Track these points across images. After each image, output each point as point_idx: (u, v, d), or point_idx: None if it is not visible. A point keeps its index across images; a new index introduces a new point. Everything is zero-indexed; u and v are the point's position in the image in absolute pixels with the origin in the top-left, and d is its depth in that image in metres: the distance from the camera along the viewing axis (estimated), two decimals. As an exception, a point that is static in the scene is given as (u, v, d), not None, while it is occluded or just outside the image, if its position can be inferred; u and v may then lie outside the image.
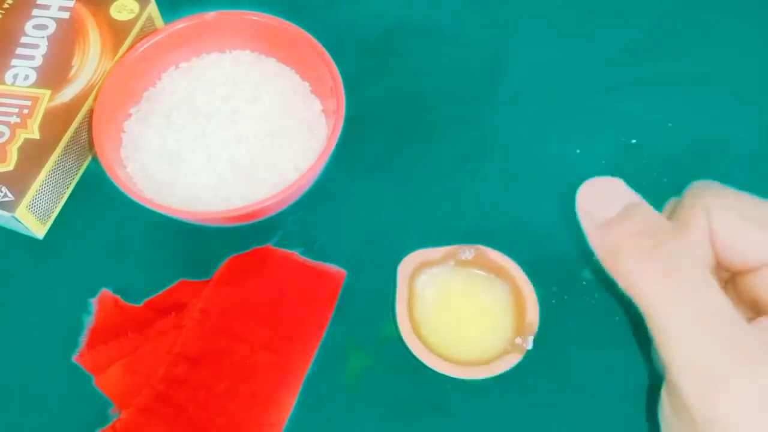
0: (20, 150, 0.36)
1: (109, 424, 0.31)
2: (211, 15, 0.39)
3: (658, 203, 0.37)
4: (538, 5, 0.44)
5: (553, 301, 0.34)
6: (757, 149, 0.39)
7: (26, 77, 0.38)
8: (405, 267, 0.34)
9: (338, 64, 0.37)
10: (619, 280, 0.24)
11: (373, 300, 0.34)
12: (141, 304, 0.35)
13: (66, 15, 0.40)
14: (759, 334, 0.22)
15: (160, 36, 0.39)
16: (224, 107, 0.37)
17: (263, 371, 0.32)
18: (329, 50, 0.37)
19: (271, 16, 0.39)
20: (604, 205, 0.25)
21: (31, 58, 0.39)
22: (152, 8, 0.41)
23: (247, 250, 0.36)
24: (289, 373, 0.33)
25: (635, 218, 0.24)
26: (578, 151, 0.39)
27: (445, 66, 0.42)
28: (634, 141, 0.39)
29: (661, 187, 0.37)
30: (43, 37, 0.39)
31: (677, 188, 0.37)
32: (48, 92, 0.37)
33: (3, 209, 0.35)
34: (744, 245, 0.25)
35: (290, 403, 0.32)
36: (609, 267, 0.25)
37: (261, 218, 0.36)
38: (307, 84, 0.39)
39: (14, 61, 0.38)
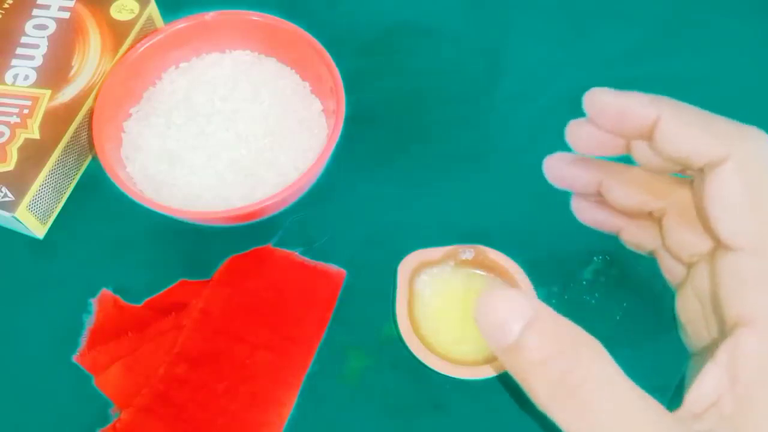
0: (20, 150, 0.36)
1: (110, 424, 0.31)
2: (211, 15, 0.39)
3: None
4: (538, 5, 0.44)
5: (553, 301, 0.34)
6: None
7: (26, 77, 0.38)
8: (405, 267, 0.34)
9: (338, 64, 0.37)
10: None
11: (373, 300, 0.34)
12: (141, 304, 0.35)
13: (66, 15, 0.40)
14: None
15: (160, 36, 0.39)
16: (224, 107, 0.37)
17: (263, 371, 0.32)
18: (329, 50, 0.37)
19: (271, 16, 0.39)
20: (499, 333, 0.22)
21: (31, 58, 0.39)
22: (152, 8, 0.41)
23: (247, 250, 0.36)
24: (289, 373, 0.33)
25: (530, 345, 0.22)
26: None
27: (445, 66, 0.42)
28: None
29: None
30: (43, 37, 0.39)
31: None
32: (48, 92, 0.37)
33: (3, 209, 0.35)
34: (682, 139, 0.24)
35: (290, 403, 0.32)
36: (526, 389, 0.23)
37: (261, 218, 0.36)
38: (307, 84, 0.39)
39: (14, 61, 0.38)
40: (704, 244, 0.26)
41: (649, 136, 0.24)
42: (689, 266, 0.28)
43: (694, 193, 0.26)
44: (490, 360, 0.32)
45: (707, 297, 0.26)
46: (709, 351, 0.24)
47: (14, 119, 0.37)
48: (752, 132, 0.23)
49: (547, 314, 0.22)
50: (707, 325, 0.26)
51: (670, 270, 0.29)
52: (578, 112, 0.40)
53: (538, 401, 0.22)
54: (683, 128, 0.24)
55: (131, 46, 0.39)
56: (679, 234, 0.27)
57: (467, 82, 0.42)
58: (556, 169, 0.30)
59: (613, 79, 0.41)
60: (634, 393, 0.22)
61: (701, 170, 0.24)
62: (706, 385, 0.22)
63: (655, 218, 0.29)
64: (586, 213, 0.31)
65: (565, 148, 0.39)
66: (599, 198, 0.30)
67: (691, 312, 0.27)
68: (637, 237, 0.30)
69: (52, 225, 0.38)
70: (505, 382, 0.32)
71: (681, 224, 0.27)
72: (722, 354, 0.22)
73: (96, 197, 0.38)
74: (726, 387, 0.22)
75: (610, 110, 0.25)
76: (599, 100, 0.26)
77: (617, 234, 0.31)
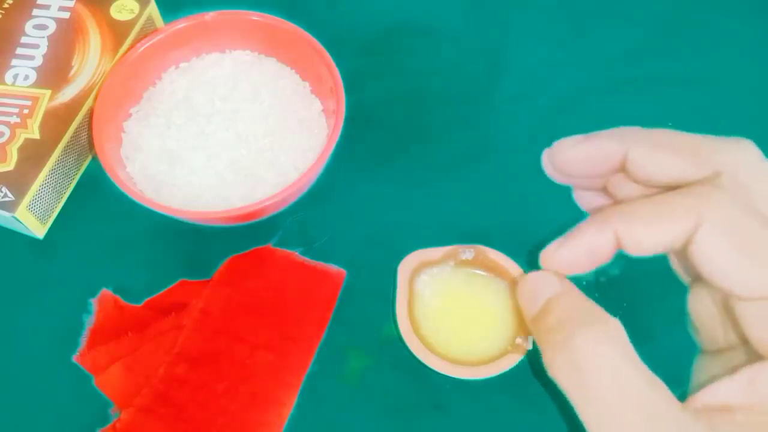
0: (20, 150, 0.36)
1: (110, 424, 0.31)
2: (210, 15, 0.39)
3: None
4: (538, 6, 0.44)
5: (553, 301, 0.34)
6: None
7: (26, 77, 0.38)
8: (405, 267, 0.34)
9: (338, 64, 0.37)
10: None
11: (373, 300, 0.34)
12: (141, 304, 0.35)
13: (66, 15, 0.40)
14: (695, 423, 0.21)
15: (160, 36, 0.39)
16: (224, 107, 0.37)
17: (263, 371, 0.32)
18: (329, 50, 0.37)
19: (271, 16, 0.39)
20: (531, 302, 0.24)
21: (31, 58, 0.39)
22: (152, 8, 0.41)
23: (247, 250, 0.36)
24: (289, 373, 0.33)
25: (550, 313, 0.24)
26: (578, 151, 0.39)
27: (445, 66, 0.43)
28: (634, 141, 0.39)
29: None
30: (43, 37, 0.39)
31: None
32: (48, 92, 0.37)
33: (3, 209, 0.35)
34: (653, 168, 0.23)
35: (290, 402, 0.32)
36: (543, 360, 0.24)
37: (261, 218, 0.36)
38: (307, 84, 0.39)
39: (14, 61, 0.38)
40: None
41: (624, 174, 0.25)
42: None
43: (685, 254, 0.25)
44: (490, 360, 0.32)
45: (725, 303, 0.25)
46: (724, 356, 0.24)
47: (14, 119, 0.37)
48: (714, 193, 0.22)
49: (573, 291, 0.24)
50: (724, 328, 0.25)
51: (684, 267, 0.29)
52: (578, 112, 0.41)
53: (550, 371, 0.22)
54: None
55: (131, 46, 0.39)
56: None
57: (467, 82, 0.42)
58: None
59: (613, 79, 0.42)
60: (640, 377, 0.22)
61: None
62: (720, 394, 0.22)
63: None
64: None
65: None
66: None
67: (704, 313, 0.27)
68: None
69: (52, 225, 0.38)
70: (505, 382, 0.32)
71: None
72: (746, 374, 0.22)
73: (96, 197, 0.38)
74: (741, 401, 0.22)
75: (578, 165, 0.26)
76: (564, 159, 0.26)
77: None
